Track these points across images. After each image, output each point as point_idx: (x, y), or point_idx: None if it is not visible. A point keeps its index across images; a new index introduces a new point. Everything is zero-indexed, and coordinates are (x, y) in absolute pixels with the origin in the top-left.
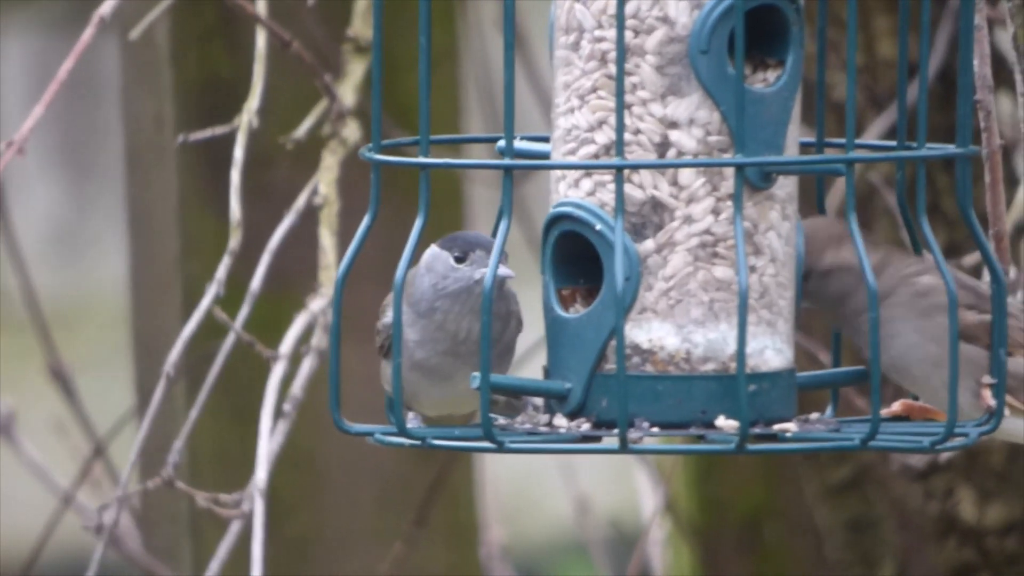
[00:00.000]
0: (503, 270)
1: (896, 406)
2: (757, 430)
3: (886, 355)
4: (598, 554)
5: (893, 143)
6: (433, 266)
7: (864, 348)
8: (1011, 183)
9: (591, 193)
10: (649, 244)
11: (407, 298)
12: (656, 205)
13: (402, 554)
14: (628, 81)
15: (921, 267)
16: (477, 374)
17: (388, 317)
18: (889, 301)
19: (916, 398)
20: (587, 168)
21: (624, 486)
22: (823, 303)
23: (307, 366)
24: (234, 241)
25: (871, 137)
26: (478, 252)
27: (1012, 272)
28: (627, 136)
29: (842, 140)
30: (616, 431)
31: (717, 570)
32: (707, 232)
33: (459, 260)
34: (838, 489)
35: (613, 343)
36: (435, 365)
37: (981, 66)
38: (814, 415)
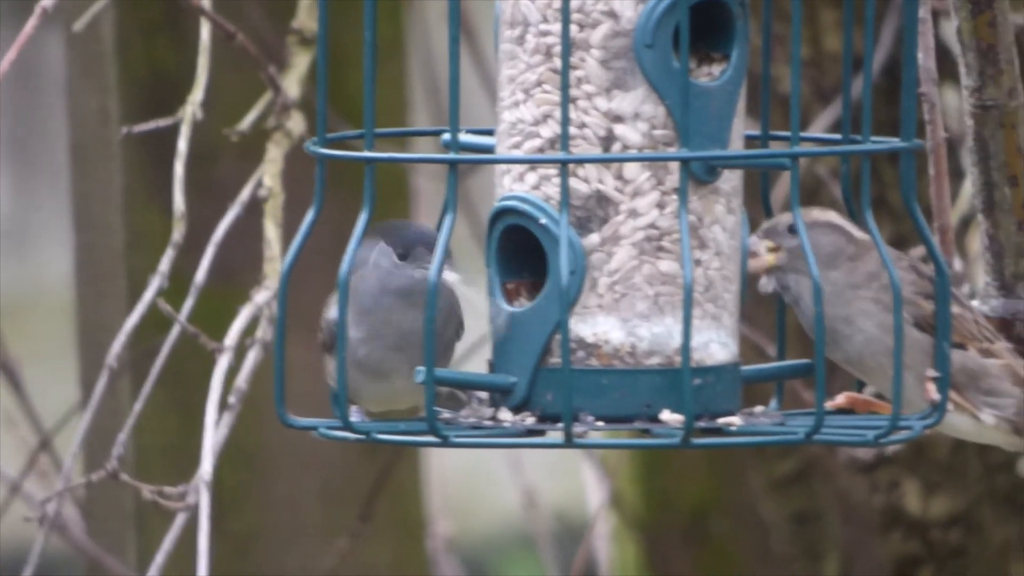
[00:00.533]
0: (448, 274)
1: (840, 399)
2: (702, 424)
3: (841, 351)
4: (544, 548)
5: (838, 136)
6: (378, 262)
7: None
8: (956, 176)
9: (536, 187)
10: (594, 238)
11: (352, 294)
12: (601, 199)
13: (348, 548)
14: (573, 75)
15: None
16: (422, 368)
17: (332, 313)
18: (857, 294)
19: (861, 389)
20: (531, 163)
21: (570, 480)
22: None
23: (252, 359)
24: (177, 233)
25: (817, 130)
26: (419, 249)
27: (958, 264)
28: (572, 130)
29: (788, 133)
30: (561, 425)
31: (662, 564)
32: (652, 226)
33: (402, 257)
34: (783, 482)
35: (558, 337)
36: (376, 363)
37: (926, 59)
38: (759, 408)
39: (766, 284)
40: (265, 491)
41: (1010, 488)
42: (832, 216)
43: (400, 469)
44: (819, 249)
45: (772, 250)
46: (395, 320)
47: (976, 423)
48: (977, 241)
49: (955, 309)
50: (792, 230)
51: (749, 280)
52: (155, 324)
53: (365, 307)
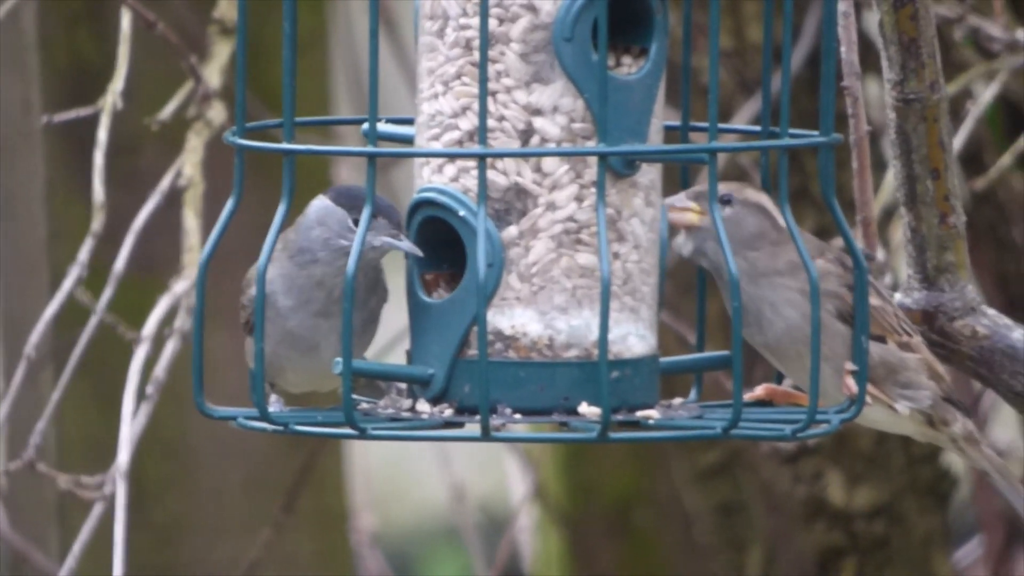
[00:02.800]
0: (406, 244)
1: (759, 390)
2: (620, 417)
3: (763, 335)
4: (470, 540)
5: (759, 129)
6: (326, 221)
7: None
8: (879, 168)
9: (455, 179)
10: (512, 230)
11: (286, 250)
12: (519, 192)
13: (271, 540)
14: (493, 68)
15: (816, 251)
16: (339, 359)
17: (253, 291)
18: (780, 282)
19: (780, 380)
20: (449, 156)
21: (495, 471)
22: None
23: (170, 348)
24: (97, 223)
25: (740, 122)
26: (380, 220)
27: (880, 256)
28: (491, 123)
29: (708, 124)
30: (478, 417)
31: (586, 555)
32: (570, 219)
33: (356, 223)
34: (707, 473)
35: (476, 329)
36: (305, 332)
37: (848, 53)
38: (677, 400)
39: (682, 244)
40: (188, 482)
41: (933, 479)
42: (764, 199)
43: (324, 460)
44: (743, 228)
45: (697, 213)
46: (328, 283)
47: (892, 414)
48: (899, 233)
49: (876, 301)
50: (724, 200)
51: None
52: (78, 315)
53: (302, 261)
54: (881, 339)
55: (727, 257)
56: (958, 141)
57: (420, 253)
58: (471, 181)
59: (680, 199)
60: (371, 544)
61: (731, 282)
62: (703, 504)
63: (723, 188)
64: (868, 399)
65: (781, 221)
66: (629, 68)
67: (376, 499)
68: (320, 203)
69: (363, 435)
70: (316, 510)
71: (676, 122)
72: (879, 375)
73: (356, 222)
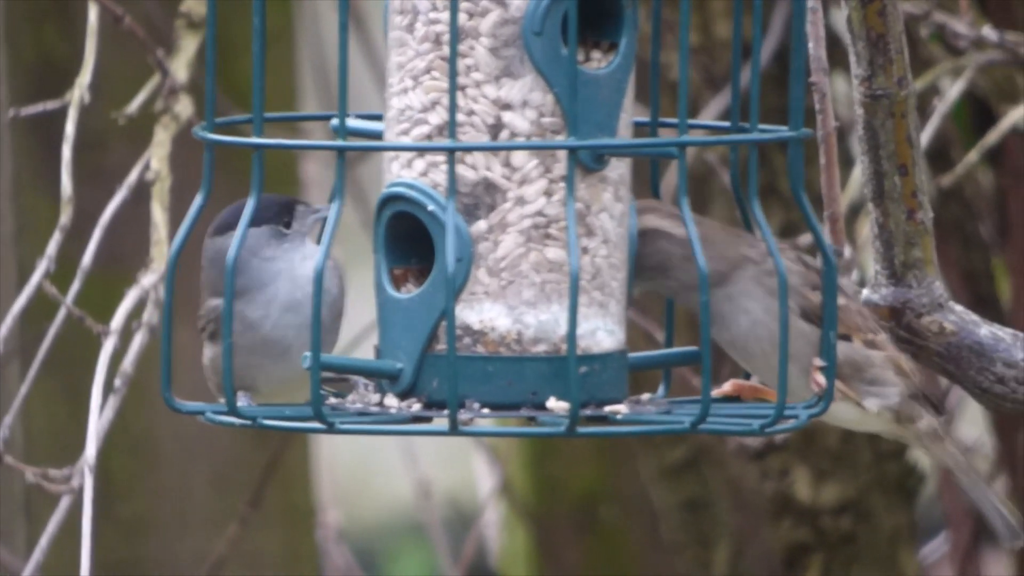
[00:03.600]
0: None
1: (727, 386)
2: (588, 412)
3: (728, 332)
4: (436, 536)
5: (728, 124)
6: (250, 246)
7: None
8: (846, 164)
9: (424, 173)
10: (481, 225)
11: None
12: (489, 186)
13: (237, 536)
14: (462, 63)
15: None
16: (308, 354)
17: (211, 303)
18: (737, 275)
19: (748, 377)
20: (419, 150)
21: (462, 467)
22: (646, 272)
23: (138, 342)
24: (65, 217)
25: (708, 117)
26: (299, 207)
27: (847, 252)
28: (460, 117)
29: (677, 120)
30: (447, 412)
31: (552, 551)
32: (539, 214)
33: (287, 225)
34: (674, 469)
35: (444, 324)
36: (277, 337)
37: (816, 48)
38: (645, 396)
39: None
40: (154, 477)
41: (900, 476)
42: (652, 221)
43: (290, 456)
44: (647, 260)
45: None
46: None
47: (860, 412)
48: (867, 229)
49: (841, 300)
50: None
51: None
52: (45, 309)
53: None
54: (846, 338)
55: (695, 251)
56: (925, 137)
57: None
58: (440, 176)
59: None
60: (337, 540)
61: (700, 274)
62: (670, 500)
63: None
64: (836, 395)
65: (678, 230)
66: (599, 63)
67: (342, 495)
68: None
69: (331, 429)
70: (282, 506)
71: (645, 118)
72: (845, 373)
73: (287, 224)
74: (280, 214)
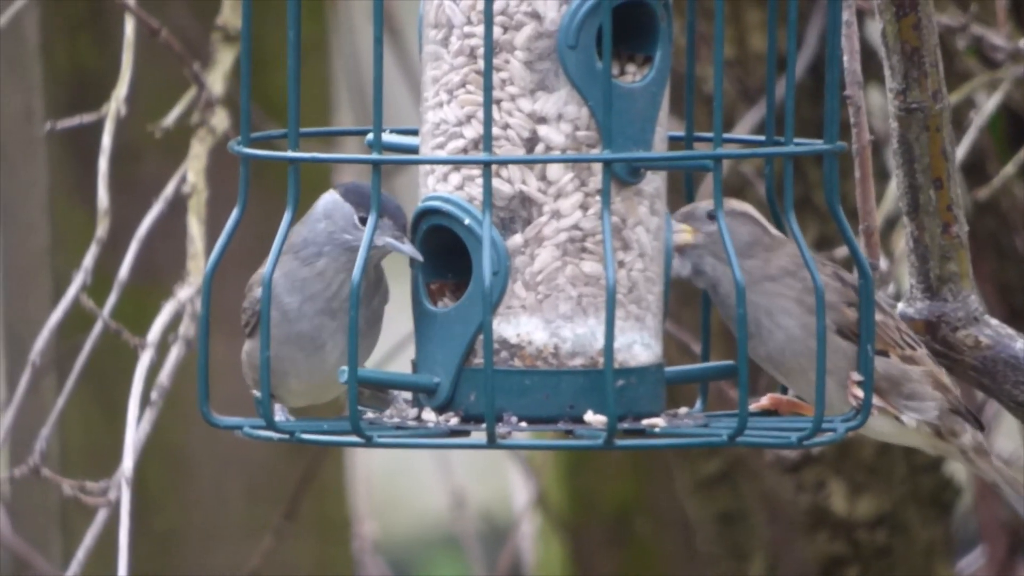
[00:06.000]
0: (408, 248)
1: (764, 400)
2: (625, 425)
3: (764, 347)
4: (470, 548)
5: (762, 138)
6: (332, 215)
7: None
8: (881, 177)
9: (460, 187)
10: (517, 239)
11: (291, 247)
12: (524, 200)
13: (272, 548)
14: (497, 77)
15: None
16: (345, 368)
17: (256, 293)
18: (773, 289)
19: (786, 391)
20: (455, 163)
21: (497, 479)
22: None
23: (175, 355)
24: (101, 229)
25: (743, 131)
26: (385, 220)
27: (884, 264)
28: (496, 131)
29: (712, 134)
30: (484, 425)
31: (587, 563)
32: (575, 227)
33: (363, 221)
34: (709, 482)
35: (481, 337)
36: (311, 331)
37: (851, 62)
38: (683, 409)
39: (680, 267)
40: (189, 489)
41: (935, 489)
42: (748, 207)
43: (325, 468)
44: (737, 237)
45: (689, 232)
46: (328, 276)
47: (899, 426)
48: (902, 243)
49: (878, 316)
50: (711, 216)
51: (673, 280)
52: (81, 322)
53: (305, 256)
54: (883, 354)
55: (732, 262)
56: (961, 151)
57: (421, 258)
58: (476, 189)
59: (670, 222)
60: (372, 552)
61: (737, 288)
62: (704, 513)
63: (707, 204)
64: (874, 410)
65: (771, 227)
66: (633, 76)
67: (377, 507)
68: (330, 197)
69: (369, 443)
70: (317, 518)
71: (680, 132)
72: (883, 388)
73: (363, 220)
74: (401, 223)
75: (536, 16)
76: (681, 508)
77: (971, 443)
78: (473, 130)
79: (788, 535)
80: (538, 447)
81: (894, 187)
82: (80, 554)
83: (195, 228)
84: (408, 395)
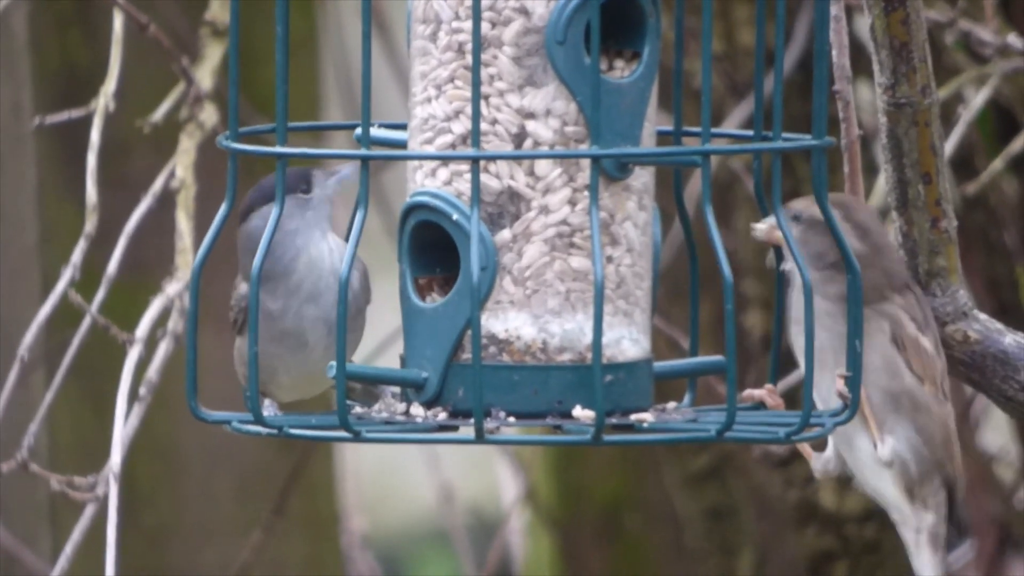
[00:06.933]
0: (348, 168)
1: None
2: (613, 420)
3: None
4: (460, 543)
5: (751, 132)
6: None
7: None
8: (870, 172)
9: (448, 182)
10: (506, 234)
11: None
12: (513, 195)
13: (261, 543)
14: (485, 72)
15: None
16: (333, 363)
17: (242, 289)
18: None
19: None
20: (443, 159)
21: (486, 474)
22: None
23: (163, 350)
24: (90, 225)
25: (731, 126)
26: (316, 174)
27: None
28: (484, 126)
29: (700, 129)
30: (472, 421)
31: (576, 559)
32: (564, 222)
33: (305, 192)
34: (698, 477)
35: (469, 333)
36: (294, 328)
37: (840, 56)
38: (671, 404)
39: (773, 259)
40: (178, 485)
41: None
42: (855, 218)
43: (314, 464)
44: (807, 247)
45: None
46: (310, 259)
47: (876, 464)
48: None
49: (930, 347)
50: (796, 218)
51: (660, 275)
52: (69, 317)
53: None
54: (920, 380)
55: (798, 263)
56: (949, 145)
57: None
58: (464, 185)
59: (768, 219)
60: (362, 547)
61: (804, 290)
62: (693, 508)
63: (797, 204)
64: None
65: (857, 243)
66: (622, 71)
67: (366, 502)
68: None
69: (357, 438)
70: (306, 513)
71: (668, 127)
72: (897, 404)
73: (304, 191)
74: (297, 183)
75: (524, 12)
76: (670, 503)
77: (931, 527)
78: (461, 125)
79: (777, 530)
80: (526, 442)
81: (882, 182)
82: (68, 549)
83: (183, 223)
84: (397, 389)
